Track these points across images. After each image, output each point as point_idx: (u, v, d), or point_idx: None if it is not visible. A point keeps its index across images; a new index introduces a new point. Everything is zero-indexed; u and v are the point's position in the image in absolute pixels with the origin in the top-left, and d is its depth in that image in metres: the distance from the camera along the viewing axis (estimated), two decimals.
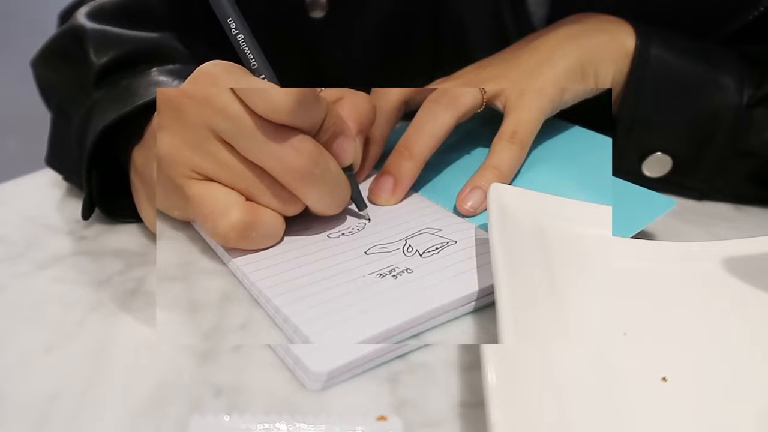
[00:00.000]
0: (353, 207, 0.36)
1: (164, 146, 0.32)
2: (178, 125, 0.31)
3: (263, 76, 0.31)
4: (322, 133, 0.32)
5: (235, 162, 0.31)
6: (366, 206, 0.36)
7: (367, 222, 0.36)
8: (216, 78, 0.30)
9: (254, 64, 0.31)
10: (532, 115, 0.39)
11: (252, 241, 0.32)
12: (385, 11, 0.48)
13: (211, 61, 0.31)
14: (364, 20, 0.49)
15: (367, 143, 0.41)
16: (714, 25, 0.42)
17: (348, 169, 0.34)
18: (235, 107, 0.29)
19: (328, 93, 0.36)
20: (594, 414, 0.23)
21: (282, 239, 0.34)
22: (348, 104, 0.36)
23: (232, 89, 0.29)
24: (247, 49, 0.31)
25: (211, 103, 0.29)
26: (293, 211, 0.33)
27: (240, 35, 0.31)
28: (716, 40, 0.42)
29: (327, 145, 0.32)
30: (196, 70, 0.30)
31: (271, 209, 0.32)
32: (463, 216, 0.37)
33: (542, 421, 0.22)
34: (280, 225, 0.33)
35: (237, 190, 0.31)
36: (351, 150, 0.33)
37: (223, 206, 0.31)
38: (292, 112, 0.29)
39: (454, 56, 0.49)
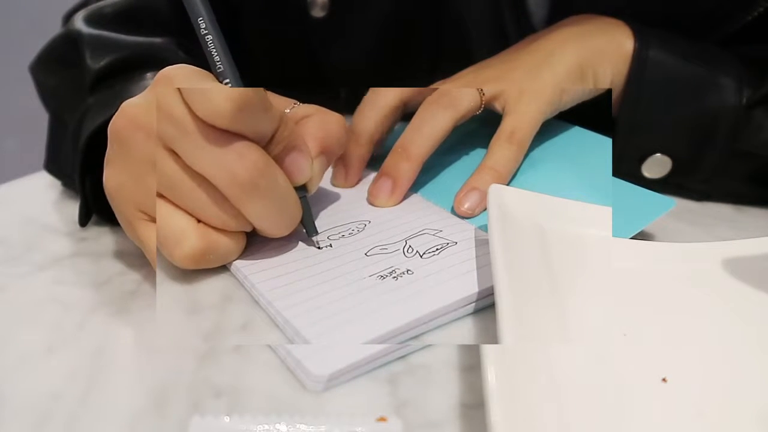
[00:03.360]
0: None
1: (111, 182, 0.31)
2: (123, 160, 0.30)
3: (228, 80, 0.30)
4: (273, 145, 0.30)
5: (179, 173, 0.29)
6: (317, 233, 0.34)
7: (367, 223, 0.36)
8: (173, 81, 0.29)
9: (220, 67, 0.30)
10: (531, 116, 0.39)
11: (211, 263, 0.31)
12: (386, 11, 0.48)
13: (174, 65, 0.30)
14: (364, 20, 0.49)
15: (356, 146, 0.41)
16: (713, 25, 0.42)
17: (300, 190, 0.32)
18: (180, 110, 0.28)
19: (298, 109, 0.35)
20: (594, 415, 0.23)
21: (283, 242, 0.34)
22: (314, 122, 0.34)
23: (179, 92, 0.28)
24: (214, 50, 0.30)
25: (159, 107, 0.28)
26: (237, 225, 0.31)
27: (209, 36, 0.30)
28: (715, 40, 0.42)
29: (279, 159, 0.30)
30: (158, 73, 0.30)
31: (214, 226, 0.30)
32: (462, 217, 0.37)
33: (542, 422, 0.22)
34: (236, 244, 0.32)
35: (182, 207, 0.30)
36: (305, 168, 0.32)
37: (177, 236, 0.30)
38: (233, 117, 0.27)
39: (454, 56, 0.49)
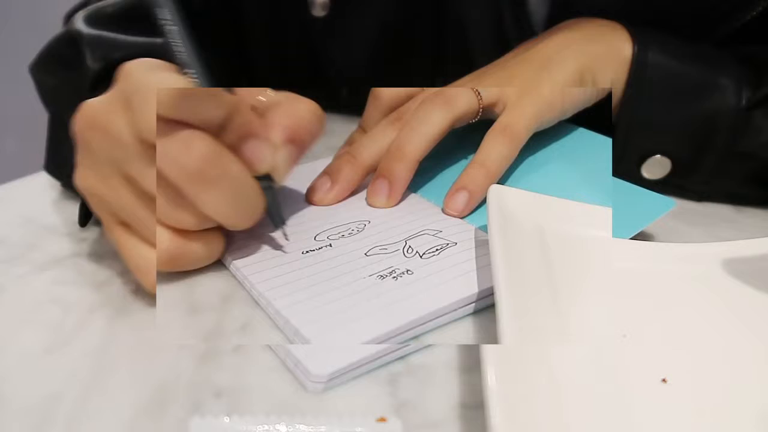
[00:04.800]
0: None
1: (81, 183, 0.31)
2: (89, 161, 0.30)
3: (193, 71, 0.29)
4: (227, 133, 0.29)
5: (140, 169, 0.28)
6: (283, 223, 0.33)
7: (367, 223, 0.36)
8: (133, 74, 0.28)
9: (182, 59, 0.29)
10: (528, 112, 0.38)
11: (183, 267, 0.31)
12: (386, 10, 0.48)
13: (136, 60, 0.29)
14: (365, 19, 0.49)
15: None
16: (713, 25, 0.42)
17: (265, 179, 0.31)
18: (133, 105, 0.28)
19: (269, 98, 0.34)
20: (594, 415, 0.23)
21: (283, 241, 0.34)
22: (282, 110, 0.33)
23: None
24: (177, 42, 0.29)
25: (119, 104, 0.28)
26: (196, 223, 0.30)
27: (173, 27, 0.29)
28: (714, 40, 0.42)
29: (236, 148, 0.29)
30: (118, 68, 0.29)
31: (166, 222, 0.30)
32: (462, 217, 0.37)
33: (542, 423, 0.22)
34: (208, 251, 0.31)
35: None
36: (265, 156, 0.30)
37: (141, 268, 0.30)
38: (171, 105, 0.26)
39: (454, 56, 0.49)
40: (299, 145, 0.33)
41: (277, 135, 0.32)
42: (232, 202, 0.29)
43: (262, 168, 0.31)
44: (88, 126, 0.30)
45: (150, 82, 0.27)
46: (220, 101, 0.28)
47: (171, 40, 0.29)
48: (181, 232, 0.30)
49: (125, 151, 0.28)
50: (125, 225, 0.30)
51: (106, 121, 0.29)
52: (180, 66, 0.29)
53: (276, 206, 0.33)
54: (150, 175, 0.28)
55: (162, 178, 0.28)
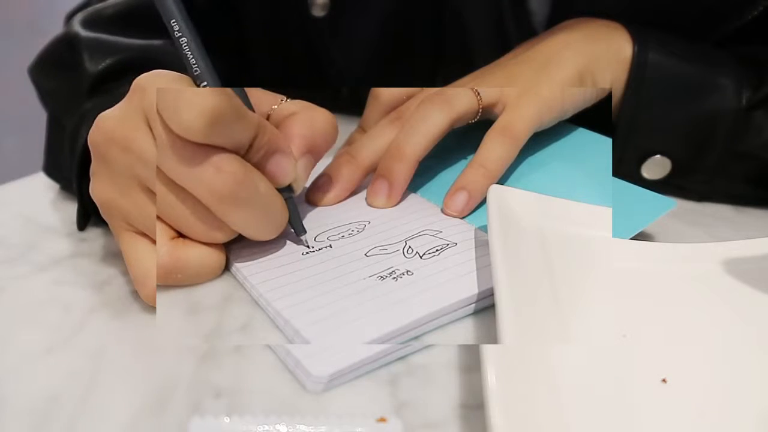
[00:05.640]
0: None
1: (97, 194, 0.31)
2: (106, 173, 0.30)
3: (205, 83, 0.29)
4: (253, 152, 0.29)
5: (160, 186, 0.29)
6: (305, 231, 0.33)
7: (367, 224, 0.36)
8: (147, 90, 0.28)
9: (197, 70, 0.29)
10: (528, 113, 0.38)
11: (180, 282, 0.31)
12: (386, 11, 0.48)
13: (149, 72, 0.29)
14: (365, 19, 0.49)
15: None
16: (713, 25, 0.42)
17: (286, 191, 0.32)
18: (155, 125, 0.28)
19: (284, 106, 0.34)
20: (594, 416, 0.23)
21: (283, 242, 0.34)
22: (300, 120, 0.33)
23: (155, 106, 0.28)
24: (189, 53, 0.29)
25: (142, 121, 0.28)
26: (222, 237, 0.31)
27: (183, 38, 0.29)
28: (715, 40, 0.42)
29: (261, 165, 0.30)
30: (133, 82, 0.29)
31: (196, 239, 0.30)
32: (462, 217, 0.37)
33: (542, 423, 0.22)
34: (209, 264, 0.31)
35: (164, 220, 0.30)
36: (289, 169, 0.31)
37: (140, 278, 0.30)
38: (206, 132, 0.27)
39: (455, 56, 0.49)
40: (316, 155, 0.34)
41: (297, 146, 0.33)
42: (261, 218, 0.30)
43: (286, 181, 0.32)
44: (107, 140, 0.29)
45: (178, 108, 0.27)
46: (249, 123, 0.29)
47: (184, 52, 0.29)
48: (182, 244, 0.30)
49: (149, 169, 0.29)
50: (134, 232, 0.31)
51: (127, 138, 0.29)
52: (194, 78, 0.29)
53: (297, 215, 0.33)
54: (183, 172, 0.28)
55: (190, 197, 0.29)
